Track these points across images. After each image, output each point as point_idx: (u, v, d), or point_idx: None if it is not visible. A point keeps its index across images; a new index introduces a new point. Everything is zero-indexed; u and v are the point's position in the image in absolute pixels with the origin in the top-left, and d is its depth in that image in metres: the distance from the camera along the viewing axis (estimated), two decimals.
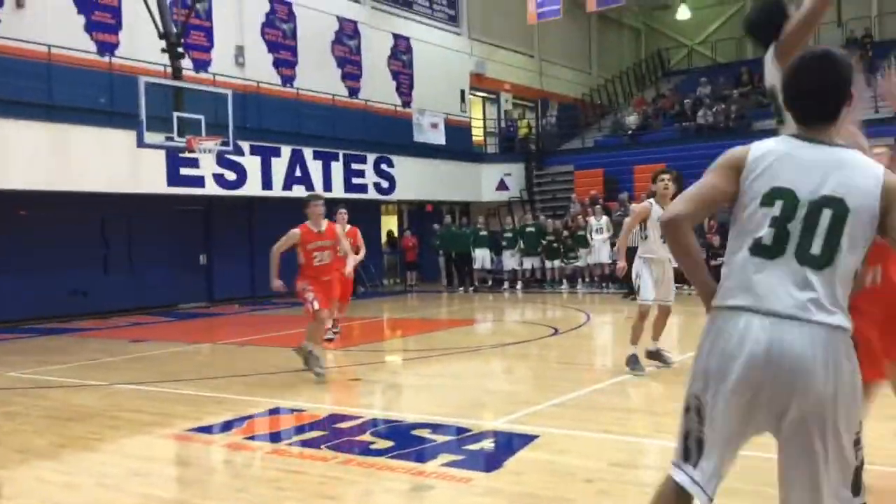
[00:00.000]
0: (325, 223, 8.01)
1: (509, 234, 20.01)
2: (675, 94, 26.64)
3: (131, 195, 15.07)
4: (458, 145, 22.72)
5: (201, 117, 13.56)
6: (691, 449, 2.37)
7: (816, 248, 2.25)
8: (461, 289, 19.92)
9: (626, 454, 5.06)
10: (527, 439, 5.33)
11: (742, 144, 2.53)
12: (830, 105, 2.38)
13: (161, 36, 14.18)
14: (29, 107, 13.40)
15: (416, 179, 20.90)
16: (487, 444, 5.39)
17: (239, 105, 14.68)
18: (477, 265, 20.26)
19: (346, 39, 21.30)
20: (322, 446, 5.37)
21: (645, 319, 7.61)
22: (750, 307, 2.28)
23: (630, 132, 23.80)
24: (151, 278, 16.44)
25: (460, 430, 5.66)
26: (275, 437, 5.90)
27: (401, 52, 23.01)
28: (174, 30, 14.35)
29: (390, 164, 20.18)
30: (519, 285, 19.66)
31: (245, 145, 16.04)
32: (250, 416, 6.41)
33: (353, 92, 21.15)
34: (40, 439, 5.83)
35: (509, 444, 5.37)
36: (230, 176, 16.37)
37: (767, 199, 2.32)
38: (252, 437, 5.82)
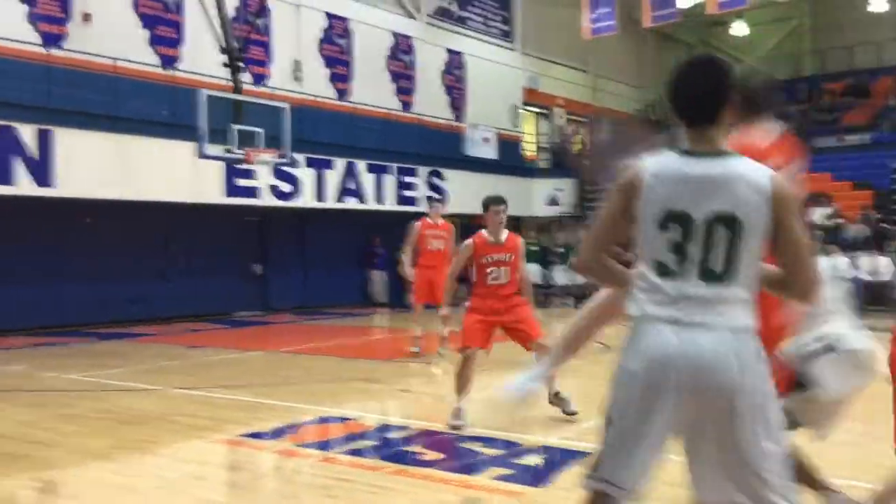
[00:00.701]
0: (505, 233, 6.85)
1: (560, 249, 19.92)
2: None
3: (192, 205, 15.41)
4: (510, 160, 22.72)
5: (259, 130, 13.81)
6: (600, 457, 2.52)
7: (717, 264, 2.36)
8: None
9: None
10: (577, 455, 5.29)
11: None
12: (709, 107, 2.43)
13: (222, 50, 14.52)
14: (94, 118, 13.80)
15: (467, 193, 20.89)
16: (538, 458, 5.37)
17: (295, 118, 14.89)
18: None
19: (401, 54, 21.52)
20: (372, 455, 5.42)
21: None
22: (661, 318, 2.39)
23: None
24: (209, 286, 16.77)
25: (510, 444, 5.65)
26: (325, 445, 5.95)
27: (454, 67, 23.13)
28: (235, 45, 14.67)
29: (442, 178, 20.28)
30: (569, 300, 19.52)
31: (300, 157, 16.28)
32: (301, 424, 6.49)
33: (407, 106, 21.33)
34: (99, 441, 5.98)
35: (560, 459, 5.35)
36: (285, 188, 16.63)
37: (664, 224, 2.40)
38: (303, 445, 5.88)
